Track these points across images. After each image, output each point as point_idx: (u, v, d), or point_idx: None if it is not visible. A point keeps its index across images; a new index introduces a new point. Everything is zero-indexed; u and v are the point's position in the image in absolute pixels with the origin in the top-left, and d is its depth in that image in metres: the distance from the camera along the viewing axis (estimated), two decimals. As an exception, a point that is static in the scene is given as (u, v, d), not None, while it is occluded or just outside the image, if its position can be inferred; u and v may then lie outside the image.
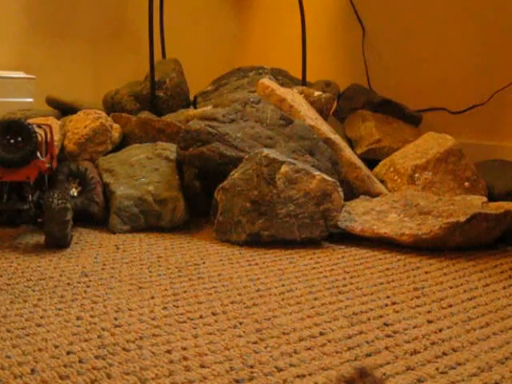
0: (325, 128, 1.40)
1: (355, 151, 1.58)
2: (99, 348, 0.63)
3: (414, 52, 1.96)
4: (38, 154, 1.03)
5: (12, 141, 1.01)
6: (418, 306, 0.80)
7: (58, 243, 1.03)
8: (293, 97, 1.43)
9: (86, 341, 0.65)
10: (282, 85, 1.58)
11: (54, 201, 1.00)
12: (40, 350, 0.63)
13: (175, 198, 1.21)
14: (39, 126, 1.10)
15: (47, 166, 1.06)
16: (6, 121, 1.03)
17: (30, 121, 1.13)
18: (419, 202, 1.18)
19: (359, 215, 1.18)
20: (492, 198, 1.38)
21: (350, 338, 0.69)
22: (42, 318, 0.72)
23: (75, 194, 1.17)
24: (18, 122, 1.02)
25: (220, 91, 1.72)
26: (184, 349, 0.64)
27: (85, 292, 0.81)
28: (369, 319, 0.75)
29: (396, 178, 1.40)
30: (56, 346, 0.63)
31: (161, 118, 1.52)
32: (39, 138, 1.05)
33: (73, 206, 1.09)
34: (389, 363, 0.62)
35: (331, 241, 1.14)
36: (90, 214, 1.20)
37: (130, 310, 0.75)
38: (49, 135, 1.10)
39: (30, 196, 1.03)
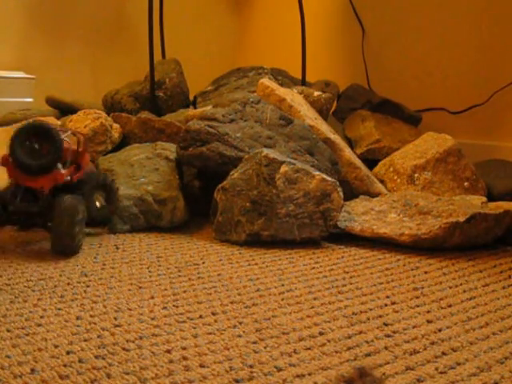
0: (324, 128, 1.40)
1: (355, 151, 1.58)
2: (99, 348, 0.63)
3: (414, 52, 1.96)
4: (60, 165, 1.00)
5: (36, 146, 0.97)
6: (418, 306, 0.80)
7: (64, 247, 0.97)
8: (292, 97, 1.43)
9: (85, 340, 0.65)
10: (281, 85, 1.58)
11: (65, 202, 0.96)
12: (40, 349, 0.63)
13: (175, 197, 1.21)
14: (74, 134, 1.06)
15: (66, 178, 1.02)
16: (32, 124, 0.99)
17: (67, 126, 1.09)
18: (419, 201, 1.18)
19: (359, 215, 1.18)
20: (491, 197, 1.38)
21: (349, 337, 0.69)
22: (41, 317, 0.72)
23: (99, 206, 1.12)
24: (45, 128, 0.98)
25: (220, 91, 1.72)
26: (184, 348, 0.64)
27: (84, 292, 0.82)
28: (368, 319, 0.75)
29: (395, 177, 1.40)
30: (56, 346, 0.64)
31: (161, 118, 1.52)
32: (66, 146, 1.01)
33: (93, 217, 1.09)
34: (388, 363, 0.62)
35: (331, 241, 1.14)
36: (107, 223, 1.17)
37: (130, 309, 0.75)
38: (81, 145, 1.06)
39: (42, 200, 0.99)
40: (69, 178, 1.03)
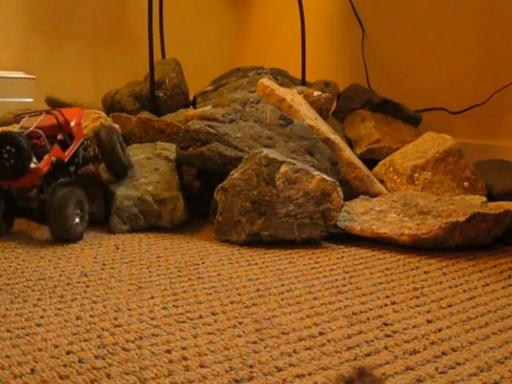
0: (324, 128, 1.40)
1: (355, 151, 1.58)
2: (99, 348, 0.63)
3: (414, 52, 1.96)
4: (33, 164, 1.04)
5: (6, 155, 1.03)
6: (418, 306, 0.80)
7: (60, 238, 1.07)
8: (292, 97, 1.43)
9: (85, 341, 0.65)
10: (281, 85, 1.58)
11: (57, 198, 1.05)
12: (40, 349, 0.63)
13: (175, 197, 1.21)
14: (49, 113, 1.11)
15: (46, 169, 1.07)
16: None
17: (35, 110, 1.17)
18: (418, 201, 1.18)
19: (358, 215, 1.18)
20: (491, 197, 1.38)
21: (349, 337, 0.69)
22: (41, 317, 0.72)
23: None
24: (7, 135, 1.03)
25: (220, 91, 1.72)
26: (183, 348, 0.64)
27: (84, 292, 0.82)
28: (368, 319, 0.75)
29: (395, 177, 1.40)
30: (56, 346, 0.64)
31: (160, 118, 1.52)
32: (41, 133, 1.07)
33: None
34: (388, 363, 0.62)
35: (331, 241, 1.14)
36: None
37: (130, 309, 0.75)
38: (60, 118, 1.12)
39: (40, 193, 1.08)
40: (54, 158, 1.08)
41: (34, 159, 1.05)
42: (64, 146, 1.13)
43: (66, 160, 1.12)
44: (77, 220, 1.08)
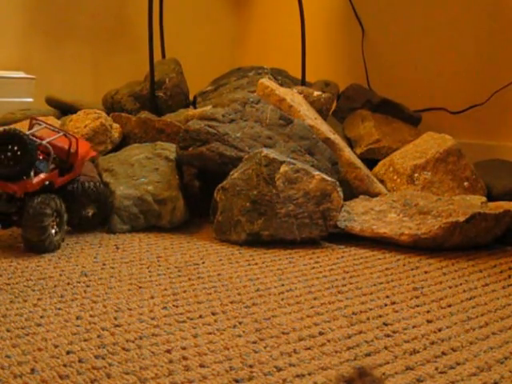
0: (324, 128, 1.40)
1: (354, 151, 1.58)
2: (99, 348, 0.63)
3: (414, 52, 1.96)
4: (32, 173, 0.99)
5: (8, 153, 0.98)
6: (418, 306, 0.80)
7: (35, 248, 1.00)
8: (292, 97, 1.43)
9: (85, 340, 0.65)
10: (281, 85, 1.58)
11: (33, 206, 0.98)
12: (40, 349, 0.63)
13: (175, 197, 1.21)
14: (66, 135, 1.08)
15: (45, 183, 1.02)
16: (5, 131, 0.99)
17: (67, 126, 1.10)
18: (418, 201, 1.18)
19: (359, 215, 1.18)
20: (491, 197, 1.38)
21: (349, 337, 0.69)
22: (41, 317, 0.72)
23: (90, 214, 1.16)
24: (18, 135, 0.98)
25: (220, 91, 1.72)
26: (184, 348, 0.64)
27: (84, 292, 0.82)
28: (368, 319, 0.75)
29: (395, 177, 1.40)
30: (56, 346, 0.64)
31: (161, 118, 1.52)
32: (50, 151, 1.03)
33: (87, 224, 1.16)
34: (388, 363, 0.62)
35: (331, 240, 1.14)
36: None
37: (130, 309, 0.75)
38: (73, 146, 1.08)
39: (18, 201, 1.01)
40: (47, 183, 1.03)
41: (32, 172, 1.00)
42: (59, 170, 1.07)
43: (56, 187, 1.06)
44: (53, 231, 1.01)
